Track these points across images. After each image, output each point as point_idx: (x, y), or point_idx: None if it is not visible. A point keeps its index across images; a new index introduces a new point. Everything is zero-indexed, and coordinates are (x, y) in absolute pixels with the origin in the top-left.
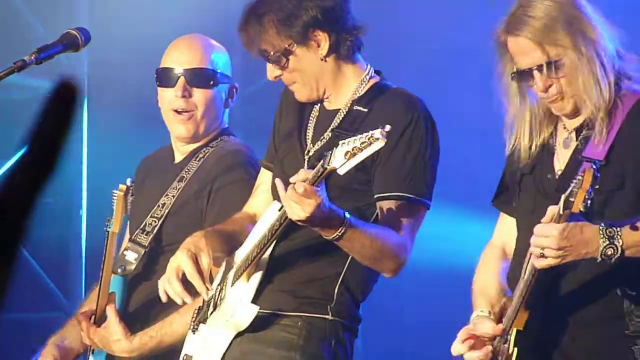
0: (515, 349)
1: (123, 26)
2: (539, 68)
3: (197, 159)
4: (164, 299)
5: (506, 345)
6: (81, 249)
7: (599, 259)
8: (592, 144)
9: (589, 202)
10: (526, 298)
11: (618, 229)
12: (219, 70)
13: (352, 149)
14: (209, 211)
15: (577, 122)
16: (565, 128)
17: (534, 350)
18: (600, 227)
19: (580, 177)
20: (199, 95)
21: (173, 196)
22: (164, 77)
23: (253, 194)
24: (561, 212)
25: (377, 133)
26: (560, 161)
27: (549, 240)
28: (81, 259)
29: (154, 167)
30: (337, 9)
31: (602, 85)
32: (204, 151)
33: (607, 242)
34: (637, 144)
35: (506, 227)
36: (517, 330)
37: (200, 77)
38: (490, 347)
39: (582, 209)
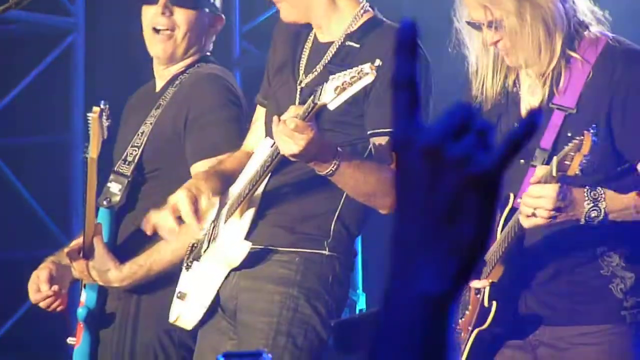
0: (495, 302)
1: None
2: (484, 24)
3: (174, 86)
4: (148, 232)
5: (478, 297)
6: (81, 187)
7: (583, 221)
8: (560, 91)
9: (584, 166)
10: (504, 253)
11: (602, 191)
12: None
13: (342, 84)
14: (187, 139)
15: (539, 68)
16: (528, 75)
17: (508, 300)
18: (586, 190)
19: (577, 141)
20: (181, 15)
21: (151, 123)
22: None
23: (250, 131)
24: (554, 174)
25: (366, 68)
26: (528, 110)
27: (544, 200)
28: (81, 196)
29: (138, 101)
30: None
31: (544, 51)
32: (180, 78)
33: (592, 205)
34: (607, 93)
35: None
36: (492, 283)
37: None
38: None
39: (577, 173)
